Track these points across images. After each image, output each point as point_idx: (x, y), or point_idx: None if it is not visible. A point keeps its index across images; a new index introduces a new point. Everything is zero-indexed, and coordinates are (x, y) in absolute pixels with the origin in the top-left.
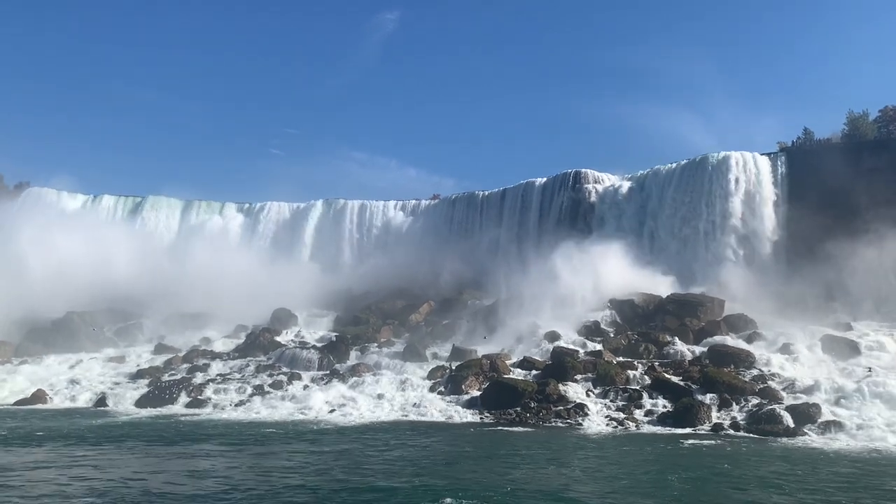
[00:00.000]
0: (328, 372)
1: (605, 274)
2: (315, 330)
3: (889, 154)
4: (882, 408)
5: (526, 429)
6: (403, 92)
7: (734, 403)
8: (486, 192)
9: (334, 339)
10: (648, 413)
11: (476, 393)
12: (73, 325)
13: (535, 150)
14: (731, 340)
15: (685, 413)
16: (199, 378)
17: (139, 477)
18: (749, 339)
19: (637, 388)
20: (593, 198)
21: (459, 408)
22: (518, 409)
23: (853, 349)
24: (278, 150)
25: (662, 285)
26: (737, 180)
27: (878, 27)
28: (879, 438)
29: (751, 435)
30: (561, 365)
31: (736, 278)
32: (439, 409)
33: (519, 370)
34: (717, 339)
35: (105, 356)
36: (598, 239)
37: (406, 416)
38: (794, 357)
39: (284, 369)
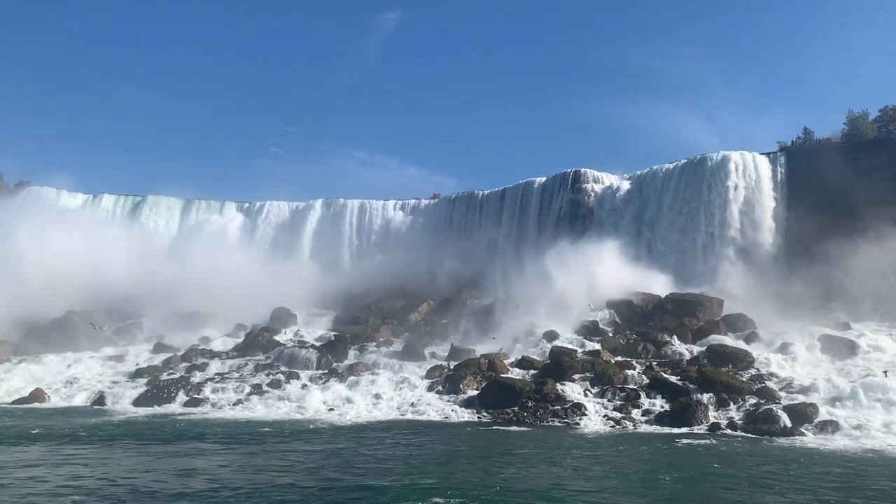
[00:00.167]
0: (326, 371)
1: (603, 273)
2: (314, 329)
3: (888, 153)
4: (879, 408)
5: (523, 428)
6: (404, 91)
7: (732, 403)
8: (486, 192)
9: (333, 338)
10: (646, 413)
11: (474, 392)
12: (73, 324)
13: (535, 150)
14: (730, 340)
15: (682, 413)
16: (197, 377)
17: (128, 475)
18: (748, 339)
19: (635, 387)
20: (592, 197)
21: (457, 407)
22: (516, 408)
23: (851, 349)
24: (279, 149)
25: (661, 285)
26: (736, 180)
27: (879, 26)
28: (876, 439)
29: (748, 435)
30: (559, 364)
31: (735, 278)
32: (437, 408)
33: (517, 370)
34: (716, 338)
35: (104, 355)
36: (598, 238)
37: (403, 415)
38: (792, 357)
39: (283, 368)
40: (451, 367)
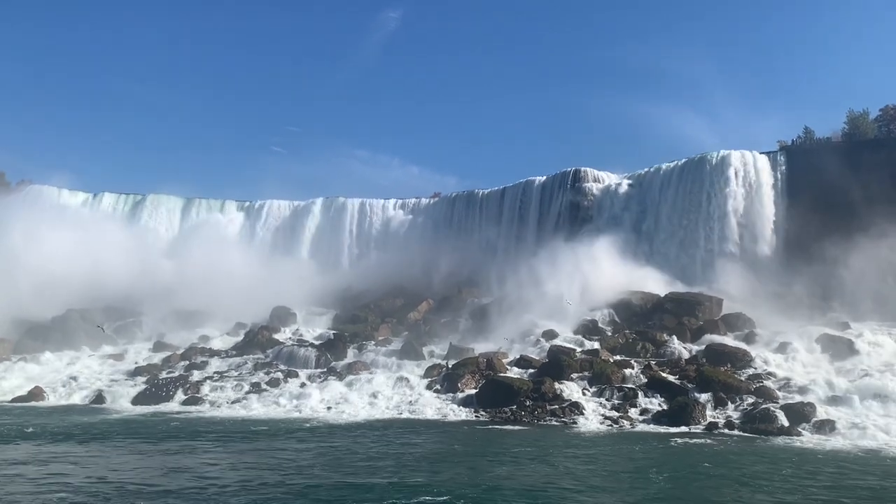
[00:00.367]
0: (325, 370)
1: (602, 272)
2: (314, 328)
3: (888, 153)
4: (876, 407)
5: (520, 427)
6: (406, 90)
7: (729, 402)
8: (486, 191)
9: (332, 337)
10: (644, 412)
11: (472, 391)
12: (73, 322)
13: (537, 149)
14: (729, 340)
15: (680, 412)
16: (196, 376)
17: (117, 474)
18: (746, 339)
19: (633, 386)
20: (592, 197)
21: (455, 406)
22: (513, 407)
23: (850, 349)
24: (280, 147)
25: (661, 284)
26: (736, 179)
27: (881, 25)
28: (873, 438)
29: (745, 434)
30: (557, 363)
31: (734, 277)
32: (435, 407)
33: (516, 368)
34: (715, 338)
35: (103, 354)
36: (597, 237)
37: (401, 414)
38: (790, 356)
39: (282, 367)
40: (450, 366)
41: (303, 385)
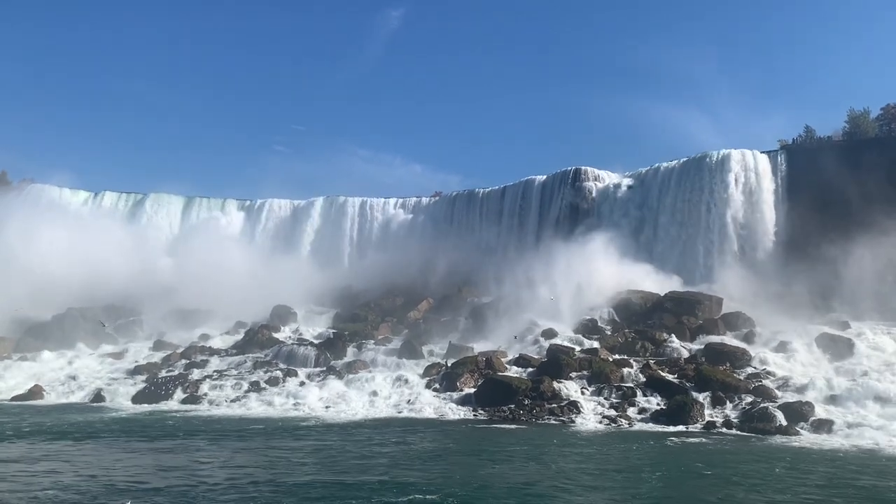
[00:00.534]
0: (324, 368)
1: (603, 271)
2: (314, 327)
3: (889, 152)
4: (874, 407)
5: (518, 426)
6: (408, 88)
7: (728, 401)
8: (487, 190)
9: (332, 335)
10: (642, 411)
11: (471, 390)
12: (74, 321)
13: (540, 148)
14: (728, 339)
15: (678, 411)
16: (195, 374)
17: (108, 472)
18: (746, 338)
19: (631, 385)
20: (593, 195)
21: (453, 405)
22: (512, 406)
23: (850, 348)
24: (283, 146)
25: (661, 283)
26: (736, 178)
27: (884, 24)
28: (871, 438)
29: (743, 433)
30: (556, 362)
31: (735, 276)
32: (433, 406)
33: (515, 367)
34: (714, 337)
35: (103, 352)
36: (598, 237)
37: (400, 412)
38: (789, 355)
39: (281, 366)
40: (449, 365)
41: (302, 384)
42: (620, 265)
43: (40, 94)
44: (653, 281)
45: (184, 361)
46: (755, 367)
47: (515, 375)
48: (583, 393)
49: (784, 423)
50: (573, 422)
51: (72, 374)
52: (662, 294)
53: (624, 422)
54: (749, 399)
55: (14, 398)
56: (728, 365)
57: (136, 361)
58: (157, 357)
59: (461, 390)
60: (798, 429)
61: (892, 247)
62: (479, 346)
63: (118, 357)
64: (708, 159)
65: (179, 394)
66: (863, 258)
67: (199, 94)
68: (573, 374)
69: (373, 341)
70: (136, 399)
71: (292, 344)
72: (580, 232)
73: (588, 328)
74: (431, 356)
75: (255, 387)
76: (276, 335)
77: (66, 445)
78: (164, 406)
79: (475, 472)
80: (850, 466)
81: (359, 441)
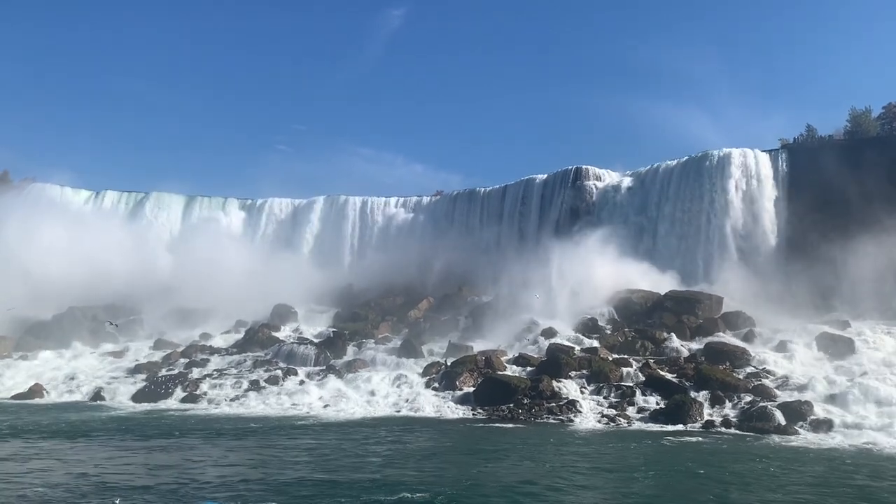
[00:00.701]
0: (324, 367)
1: (603, 271)
2: (314, 326)
3: (890, 151)
4: (873, 406)
5: (517, 425)
6: (409, 88)
7: (727, 401)
8: (487, 189)
9: (332, 334)
10: (641, 410)
11: (470, 389)
12: (74, 320)
13: (541, 147)
14: (728, 338)
15: (677, 410)
16: (195, 373)
17: (99, 470)
18: (746, 337)
19: (630, 385)
20: (594, 194)
21: (452, 404)
22: (511, 405)
23: (850, 347)
24: (285, 146)
25: (661, 282)
26: (737, 177)
27: (886, 23)
28: (869, 437)
29: (742, 432)
30: (555, 361)
31: (735, 276)
32: (432, 405)
33: (514, 366)
34: (714, 336)
35: (104, 351)
36: (598, 236)
37: (399, 411)
38: (789, 355)
39: (281, 365)
40: (449, 364)
41: (301, 383)
42: (621, 264)
43: (42, 93)
44: (653, 280)
45: (184, 360)
46: (755, 367)
47: (514, 375)
48: (582, 392)
49: (783, 422)
50: (572, 421)
51: (72, 372)
52: (662, 293)
53: (623, 421)
54: (748, 398)
55: (14, 397)
56: (728, 364)
57: (137, 360)
58: (158, 356)
59: (460, 389)
60: (797, 428)
61: (893, 246)
62: (478, 346)
63: (119, 356)
64: (708, 158)
65: (179, 393)
66: (863, 257)
67: (201, 94)
68: (572, 374)
69: (373, 340)
70: (136, 398)
71: (292, 343)
72: (580, 231)
73: (588, 327)
74: (431, 355)
75: (254, 386)
76: (276, 334)
77: (60, 443)
78: (163, 405)
79: (468, 470)
80: (846, 466)
81: (355, 440)
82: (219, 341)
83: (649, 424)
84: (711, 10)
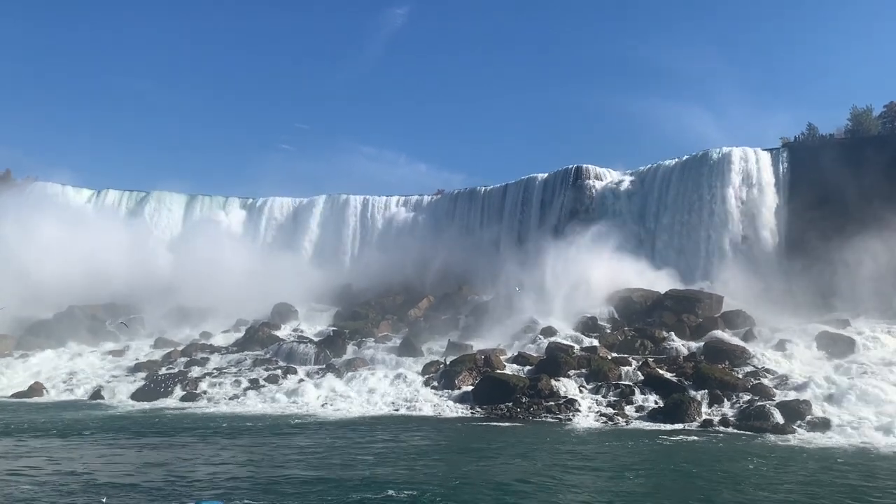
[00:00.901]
0: (324, 366)
1: (603, 270)
2: (315, 324)
3: (891, 150)
4: (872, 406)
5: (515, 424)
6: (411, 87)
7: (726, 400)
8: (488, 188)
9: (332, 333)
10: (639, 409)
11: (469, 388)
12: (75, 318)
13: (544, 146)
14: (728, 337)
15: (675, 409)
16: (195, 372)
17: (89, 468)
18: (745, 336)
19: (629, 383)
20: (594, 193)
21: (451, 402)
22: (509, 404)
23: (849, 346)
24: (288, 145)
25: (661, 281)
26: (737, 176)
27: (889, 22)
28: (867, 436)
29: (739, 431)
30: (554, 360)
31: (735, 274)
32: (431, 403)
33: (513, 365)
34: (714, 335)
35: (105, 350)
36: (598, 235)
37: (397, 410)
38: (789, 354)
39: (281, 363)
40: (448, 363)
41: (301, 381)
42: (620, 263)
43: (43, 92)
44: (653, 279)
45: (184, 359)
46: (754, 366)
47: (513, 373)
48: (581, 391)
49: (781, 421)
50: (570, 420)
51: (72, 371)
52: (662, 292)
53: (621, 420)
54: (747, 397)
55: (14, 395)
56: (727, 363)
57: (137, 359)
58: (158, 355)
59: (459, 388)
60: (795, 427)
61: (893, 244)
62: (478, 344)
63: (119, 354)
64: (709, 157)
65: (178, 391)
66: (864, 256)
67: (202, 93)
68: (572, 372)
69: (373, 339)
70: (136, 396)
71: (292, 342)
72: (580, 230)
73: (588, 326)
74: (430, 354)
75: (253, 384)
76: (276, 333)
77: (52, 442)
78: (162, 403)
79: (458, 469)
80: (840, 466)
81: (350, 439)
82: (219, 340)
83: (647, 423)
84: (712, 10)
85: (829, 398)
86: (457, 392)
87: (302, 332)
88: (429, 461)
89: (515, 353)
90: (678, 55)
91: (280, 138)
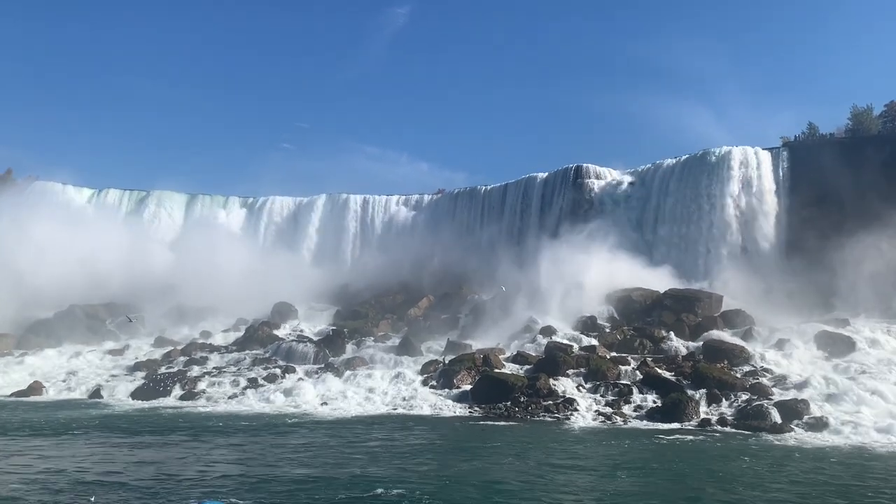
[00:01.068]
0: (322, 365)
1: (602, 269)
2: (315, 324)
3: (891, 149)
4: (871, 405)
5: (513, 423)
6: (413, 86)
7: (724, 399)
8: (489, 187)
9: (331, 332)
10: (637, 408)
11: (467, 387)
12: (76, 317)
13: (546, 145)
14: (727, 336)
15: (673, 408)
16: (194, 371)
17: (79, 467)
18: (745, 336)
19: (628, 383)
20: (594, 193)
21: (449, 401)
22: (507, 403)
23: (849, 346)
24: (290, 144)
25: (661, 280)
26: (738, 175)
27: (892, 21)
28: (865, 435)
29: (737, 431)
30: (553, 360)
31: (735, 274)
32: (430, 402)
33: (512, 364)
34: (713, 334)
35: (105, 349)
36: (598, 234)
37: (395, 409)
38: (788, 353)
39: (280, 362)
40: (447, 362)
41: (300, 380)
42: (620, 262)
43: (44, 92)
44: (653, 278)
45: (183, 358)
46: (753, 365)
47: (512, 373)
48: (579, 390)
49: (778, 420)
50: (568, 419)
51: (72, 370)
52: (662, 291)
53: (619, 419)
54: (745, 397)
55: (13, 394)
56: (726, 362)
57: (137, 358)
58: (158, 354)
59: (458, 387)
60: (792, 426)
61: (893, 244)
62: (478, 344)
63: (119, 353)
64: (709, 156)
65: (177, 390)
66: (863, 255)
67: (204, 93)
68: (570, 372)
69: (372, 338)
70: (135, 395)
71: (291, 341)
72: (580, 229)
73: (587, 325)
74: (430, 353)
75: (252, 383)
76: (276, 332)
77: (45, 440)
78: (161, 402)
79: (450, 467)
80: (834, 465)
81: (344, 438)
82: (219, 339)
83: (645, 423)
84: (713, 9)
85: (828, 397)
86: (455, 391)
87: (302, 331)
88: (421, 460)
89: (514, 353)
90: (679, 54)
91: (281, 137)
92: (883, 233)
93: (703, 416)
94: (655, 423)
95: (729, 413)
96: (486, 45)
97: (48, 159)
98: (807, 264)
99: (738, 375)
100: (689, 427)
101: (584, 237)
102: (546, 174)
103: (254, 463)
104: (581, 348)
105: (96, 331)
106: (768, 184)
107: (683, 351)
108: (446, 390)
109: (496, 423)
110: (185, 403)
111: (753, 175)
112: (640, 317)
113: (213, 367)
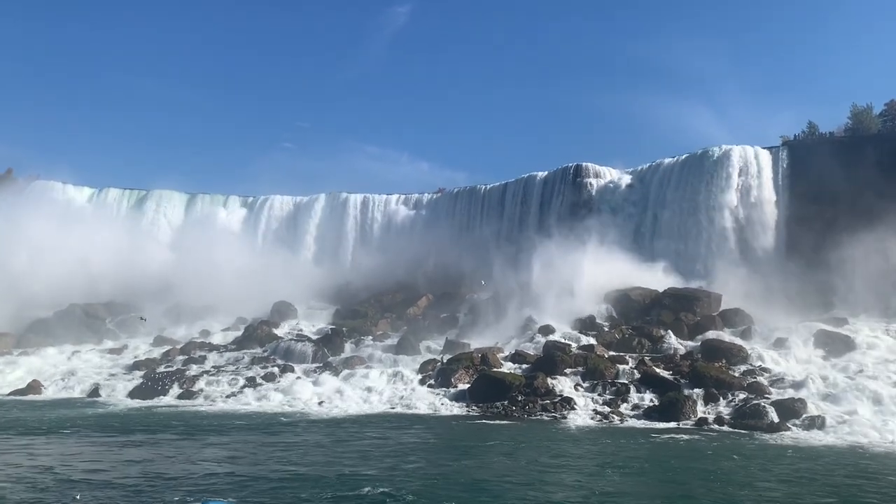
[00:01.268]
0: (321, 364)
1: (602, 268)
2: (314, 323)
3: (891, 148)
4: (869, 404)
5: (510, 422)
6: (414, 85)
7: (721, 398)
8: (488, 186)
9: (330, 331)
10: (635, 407)
11: (465, 386)
12: (75, 316)
13: (546, 145)
14: (726, 335)
15: (670, 407)
16: (193, 370)
17: (67, 465)
18: (743, 335)
19: (625, 382)
20: (593, 192)
21: (447, 401)
22: (505, 402)
23: (847, 345)
24: (290, 143)
25: (660, 279)
26: (737, 174)
27: (890, 20)
28: (862, 434)
29: (734, 430)
30: (551, 359)
31: (734, 273)
32: (427, 401)
33: (511, 364)
34: (712, 333)
35: (104, 348)
36: (598, 233)
37: (393, 408)
38: (786, 352)
39: (279, 362)
40: (445, 361)
41: (298, 379)
42: (619, 261)
43: (44, 91)
44: (651, 277)
45: (182, 357)
46: (751, 364)
47: (510, 372)
48: (577, 389)
49: (776, 419)
50: (565, 418)
51: (71, 369)
52: (661, 290)
53: (616, 418)
54: (742, 396)
55: (12, 393)
56: (724, 361)
57: (136, 357)
58: (157, 353)
59: (456, 386)
60: (790, 425)
61: (892, 243)
62: (476, 343)
63: (118, 353)
64: (709, 155)
65: (176, 389)
66: (863, 255)
67: (204, 92)
68: (568, 371)
69: (371, 337)
70: (133, 394)
71: (290, 340)
72: (581, 228)
73: (585, 324)
74: (428, 352)
75: (250, 382)
76: (275, 331)
77: (36, 439)
78: (159, 401)
79: (441, 466)
80: (829, 464)
81: (339, 437)
82: (218, 338)
83: (642, 422)
84: (714, 8)
85: (826, 397)
86: (453, 390)
87: (301, 330)
88: (412, 459)
89: (513, 352)
90: (679, 54)
91: (281, 137)
92: (882, 232)
93: (700, 415)
94: (652, 423)
95: (726, 412)
96: (486, 45)
97: (48, 159)
98: (806, 263)
99: (736, 375)
100: (686, 426)
101: (583, 236)
102: (546, 173)
103: (242, 462)
104: (579, 347)
105: (96, 330)
106: (768, 183)
107: (682, 350)
108: (444, 389)
109: (493, 422)
110: (182, 402)
111: (753, 174)
112: (638, 316)
113: (212, 367)
